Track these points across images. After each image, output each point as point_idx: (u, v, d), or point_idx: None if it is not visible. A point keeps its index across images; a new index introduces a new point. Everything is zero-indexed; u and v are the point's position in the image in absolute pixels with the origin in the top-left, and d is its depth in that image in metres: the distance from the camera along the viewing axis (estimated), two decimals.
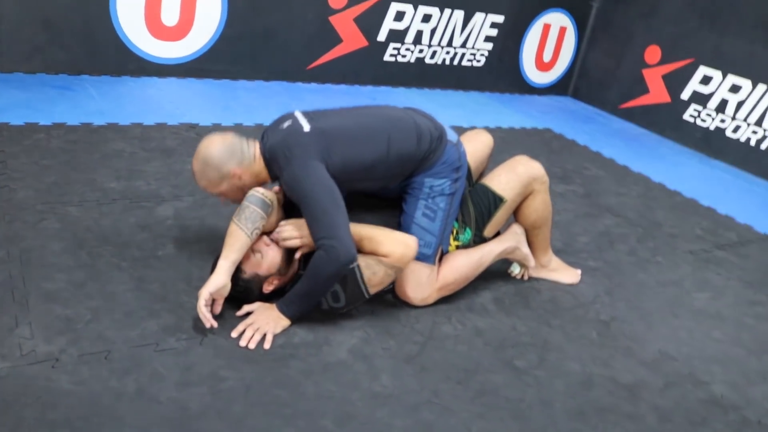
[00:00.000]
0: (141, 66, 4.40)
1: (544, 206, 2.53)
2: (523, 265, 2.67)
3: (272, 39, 4.79)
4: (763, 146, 5.05)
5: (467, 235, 2.44)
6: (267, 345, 1.98)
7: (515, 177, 2.45)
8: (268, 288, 2.12)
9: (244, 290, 2.08)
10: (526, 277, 2.69)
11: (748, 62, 5.12)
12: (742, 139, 5.16)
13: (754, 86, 5.07)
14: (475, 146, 2.56)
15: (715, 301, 2.87)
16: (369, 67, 5.29)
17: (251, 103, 4.40)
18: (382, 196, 2.39)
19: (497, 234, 2.55)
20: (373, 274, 2.10)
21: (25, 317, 1.91)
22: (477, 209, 2.45)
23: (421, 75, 5.61)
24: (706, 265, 3.21)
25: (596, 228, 3.41)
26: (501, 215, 2.46)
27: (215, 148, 2.12)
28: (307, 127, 2.12)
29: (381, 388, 1.92)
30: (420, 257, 2.23)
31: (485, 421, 1.87)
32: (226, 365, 1.88)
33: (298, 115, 2.19)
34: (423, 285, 2.28)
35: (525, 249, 2.58)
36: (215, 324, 1.96)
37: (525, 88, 6.27)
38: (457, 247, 2.43)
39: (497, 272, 2.66)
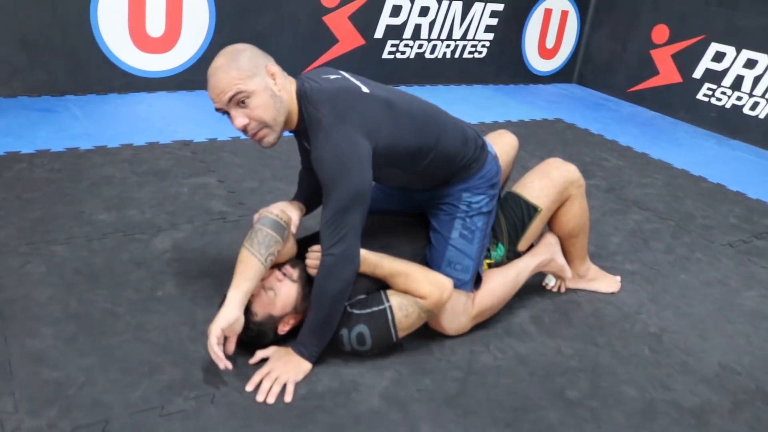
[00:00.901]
0: (128, 82, 4.15)
1: (582, 212, 2.29)
2: (559, 277, 2.42)
3: (264, 43, 4.43)
4: None
5: (500, 251, 2.19)
6: (288, 397, 1.73)
7: (550, 183, 2.21)
8: (284, 329, 1.86)
9: (257, 334, 1.82)
10: (563, 289, 2.45)
11: (762, 35, 4.89)
12: (762, 116, 4.94)
13: None
14: (501, 149, 2.29)
15: (766, 299, 2.63)
16: (367, 66, 5.01)
17: None
18: (405, 211, 2.15)
19: (530, 246, 2.31)
20: (405, 317, 1.86)
21: (8, 386, 1.66)
22: (509, 221, 2.21)
23: (422, 71, 5.36)
24: (749, 258, 2.98)
25: (626, 225, 3.17)
26: (536, 226, 2.22)
27: (248, 45, 1.81)
28: (365, 88, 1.82)
29: None
30: (457, 284, 1.98)
31: None
32: (244, 426, 1.63)
33: (347, 74, 1.90)
34: (459, 314, 2.02)
35: (560, 260, 2.34)
36: (230, 366, 1.70)
37: (529, 77, 6.03)
38: (489, 266, 2.18)
39: (531, 286, 2.41)
